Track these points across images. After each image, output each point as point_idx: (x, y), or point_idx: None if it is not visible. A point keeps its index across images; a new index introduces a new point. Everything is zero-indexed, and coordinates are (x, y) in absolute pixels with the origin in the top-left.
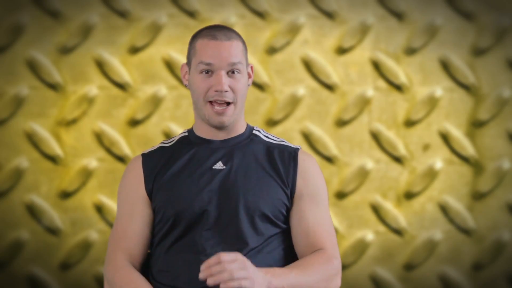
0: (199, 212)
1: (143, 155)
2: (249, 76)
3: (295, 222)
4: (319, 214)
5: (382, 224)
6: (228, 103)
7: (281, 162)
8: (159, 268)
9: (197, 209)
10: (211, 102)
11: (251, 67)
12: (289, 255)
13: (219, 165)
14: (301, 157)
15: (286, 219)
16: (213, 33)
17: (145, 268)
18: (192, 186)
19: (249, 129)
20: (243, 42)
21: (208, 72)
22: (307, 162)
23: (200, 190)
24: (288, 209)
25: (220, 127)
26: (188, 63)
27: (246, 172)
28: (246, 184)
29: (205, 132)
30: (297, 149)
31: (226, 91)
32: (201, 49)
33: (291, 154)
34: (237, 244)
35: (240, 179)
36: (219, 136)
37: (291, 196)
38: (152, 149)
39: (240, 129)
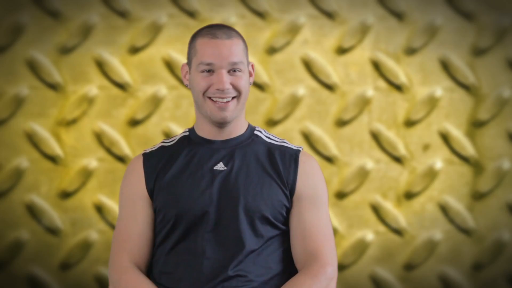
0: (200, 213)
1: (144, 154)
2: (250, 75)
3: (293, 224)
4: (317, 216)
5: (382, 224)
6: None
7: (282, 163)
8: (160, 270)
9: (198, 210)
10: (211, 99)
11: (252, 65)
12: (288, 257)
13: (220, 166)
14: (302, 158)
15: (286, 220)
16: (213, 32)
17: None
18: (193, 187)
19: (251, 129)
20: (244, 41)
21: (209, 71)
22: (308, 164)
23: (201, 191)
24: (288, 210)
25: (222, 123)
26: (189, 62)
27: (247, 173)
28: (247, 185)
29: (206, 132)
30: (299, 150)
31: (228, 89)
32: (201, 49)
33: (292, 156)
34: (237, 246)
35: (241, 181)
36: (221, 136)
37: (290, 197)
38: (153, 149)
39: (241, 129)
